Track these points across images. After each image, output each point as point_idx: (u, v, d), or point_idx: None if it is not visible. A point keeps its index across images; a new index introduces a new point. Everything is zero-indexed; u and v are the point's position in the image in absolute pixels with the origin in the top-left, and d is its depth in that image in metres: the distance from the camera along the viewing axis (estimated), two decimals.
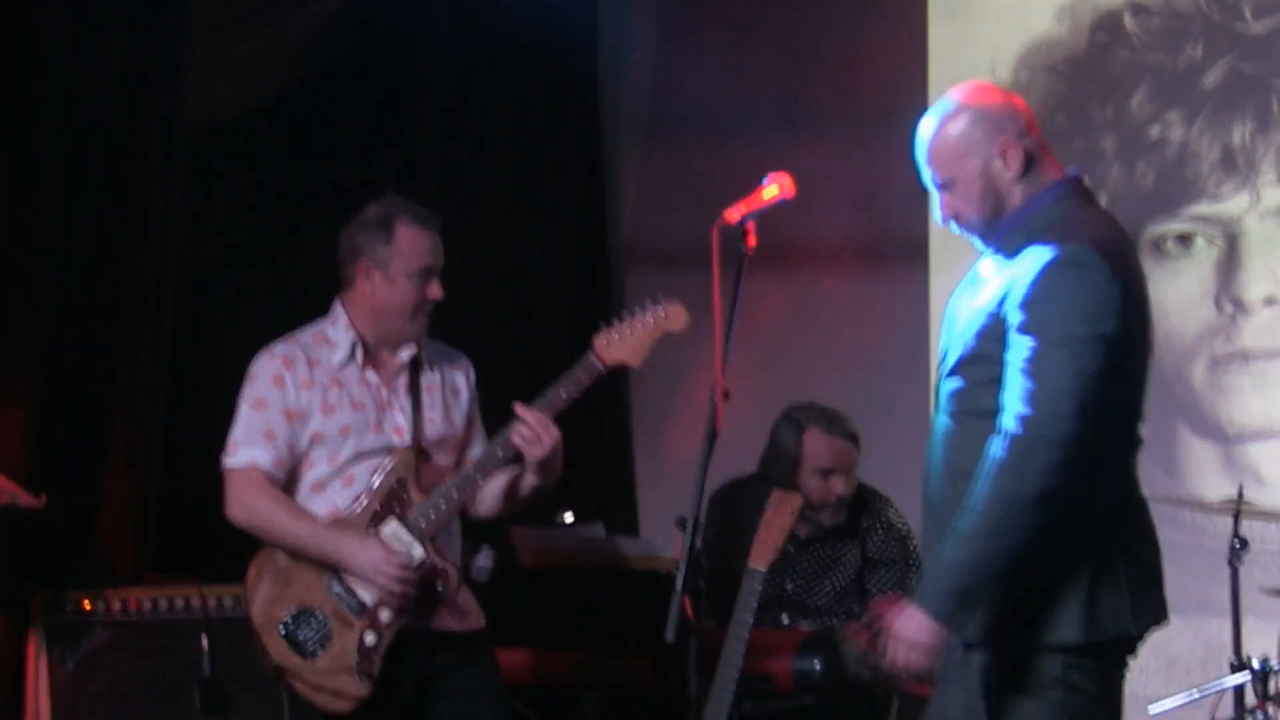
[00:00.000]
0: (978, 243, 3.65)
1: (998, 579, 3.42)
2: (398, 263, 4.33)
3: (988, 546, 3.39)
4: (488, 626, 4.45)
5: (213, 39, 6.04)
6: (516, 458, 4.34)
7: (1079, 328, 3.40)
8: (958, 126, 3.59)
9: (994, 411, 3.47)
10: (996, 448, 3.41)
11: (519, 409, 4.27)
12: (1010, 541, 3.39)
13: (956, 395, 3.56)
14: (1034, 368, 3.40)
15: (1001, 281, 3.53)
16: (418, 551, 4.26)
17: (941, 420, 3.58)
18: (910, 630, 3.43)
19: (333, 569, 4.26)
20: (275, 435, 4.31)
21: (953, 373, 3.57)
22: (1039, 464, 3.38)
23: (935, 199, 3.64)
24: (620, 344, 4.34)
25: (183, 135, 5.82)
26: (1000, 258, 3.59)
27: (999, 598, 3.46)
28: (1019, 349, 3.43)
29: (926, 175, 3.64)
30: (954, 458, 3.53)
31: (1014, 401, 3.42)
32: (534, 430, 4.25)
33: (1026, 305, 3.44)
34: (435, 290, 4.36)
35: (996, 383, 3.49)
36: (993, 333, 3.51)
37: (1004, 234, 3.58)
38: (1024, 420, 3.39)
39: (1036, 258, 3.48)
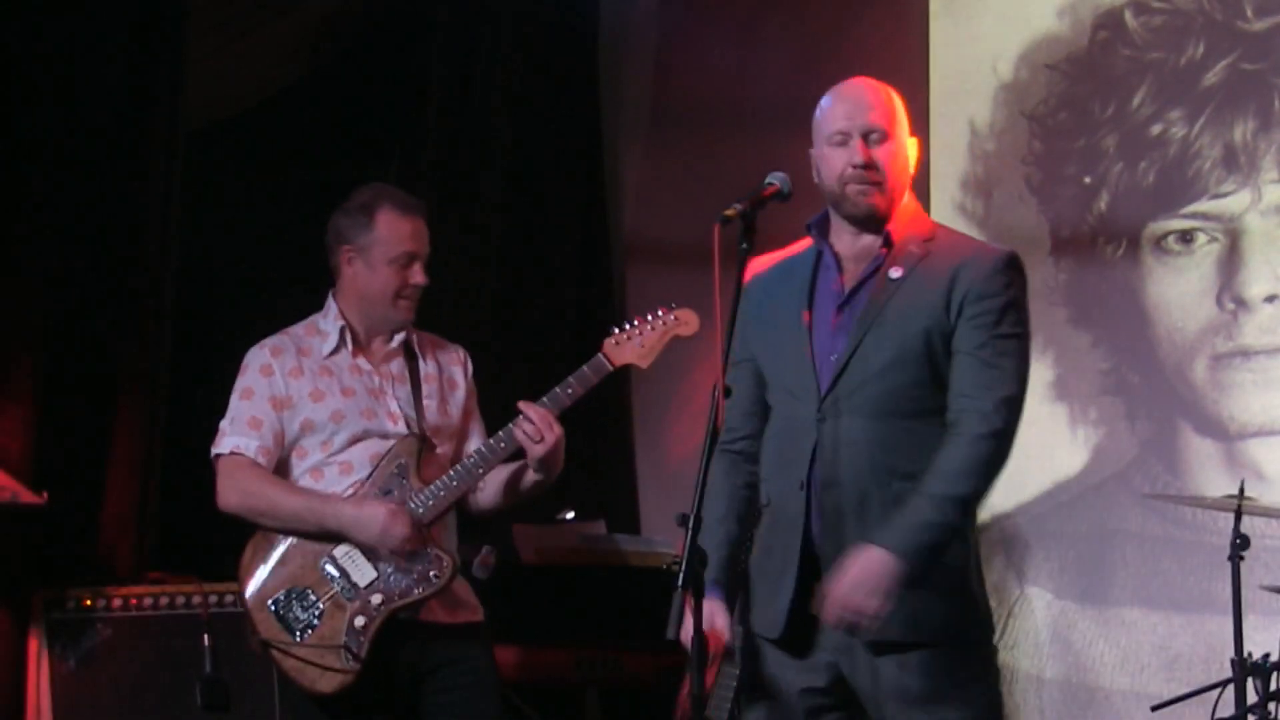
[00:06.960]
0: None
1: (948, 542, 3.52)
2: (378, 249, 4.35)
3: (959, 513, 3.52)
4: (487, 620, 4.44)
5: (212, 39, 6.04)
6: (517, 453, 4.35)
7: (1025, 325, 3.60)
8: (897, 98, 3.69)
9: (928, 412, 3.56)
10: (982, 425, 3.51)
11: (523, 406, 4.28)
12: (970, 510, 3.56)
13: (887, 396, 3.56)
14: (1000, 359, 3.55)
15: (932, 282, 3.58)
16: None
17: (857, 423, 3.56)
18: (881, 574, 3.44)
19: (327, 551, 4.26)
20: (261, 423, 4.32)
21: (879, 374, 3.56)
22: (1008, 446, 3.54)
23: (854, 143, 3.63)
24: (629, 345, 4.38)
25: (183, 135, 5.83)
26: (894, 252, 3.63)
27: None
28: (979, 340, 3.55)
29: (859, 119, 3.64)
30: (889, 460, 3.55)
31: (986, 389, 3.53)
32: (537, 427, 4.26)
33: (985, 299, 3.56)
34: (417, 275, 4.37)
35: (928, 385, 3.57)
36: (936, 331, 3.57)
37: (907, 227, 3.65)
38: (1008, 403, 3.53)
39: (980, 258, 3.60)
